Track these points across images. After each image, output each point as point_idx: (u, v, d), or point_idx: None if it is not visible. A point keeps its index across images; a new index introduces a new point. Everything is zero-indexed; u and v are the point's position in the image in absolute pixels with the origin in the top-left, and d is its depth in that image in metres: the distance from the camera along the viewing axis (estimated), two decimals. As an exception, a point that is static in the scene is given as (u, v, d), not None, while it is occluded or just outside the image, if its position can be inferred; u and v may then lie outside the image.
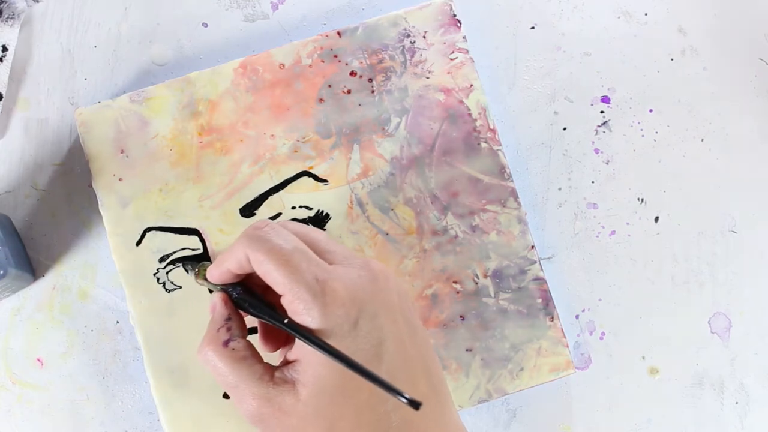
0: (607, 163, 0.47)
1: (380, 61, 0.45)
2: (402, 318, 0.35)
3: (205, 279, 0.38)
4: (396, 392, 0.30)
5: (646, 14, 0.48)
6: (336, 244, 0.36)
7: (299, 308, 0.33)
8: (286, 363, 0.34)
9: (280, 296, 0.34)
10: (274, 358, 0.37)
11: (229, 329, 0.36)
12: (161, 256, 0.44)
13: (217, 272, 0.36)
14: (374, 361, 0.33)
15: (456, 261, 0.44)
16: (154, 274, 0.44)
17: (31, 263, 0.45)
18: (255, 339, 0.38)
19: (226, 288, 0.37)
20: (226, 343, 0.35)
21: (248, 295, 0.36)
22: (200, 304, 0.43)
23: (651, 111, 0.48)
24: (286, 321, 0.34)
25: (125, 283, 0.43)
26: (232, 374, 0.34)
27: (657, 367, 0.46)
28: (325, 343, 0.32)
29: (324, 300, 0.33)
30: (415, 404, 0.30)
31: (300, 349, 0.34)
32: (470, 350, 0.44)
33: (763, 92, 0.48)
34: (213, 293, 0.38)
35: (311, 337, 0.33)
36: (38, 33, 0.47)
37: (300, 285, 0.33)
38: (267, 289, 0.37)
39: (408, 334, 0.35)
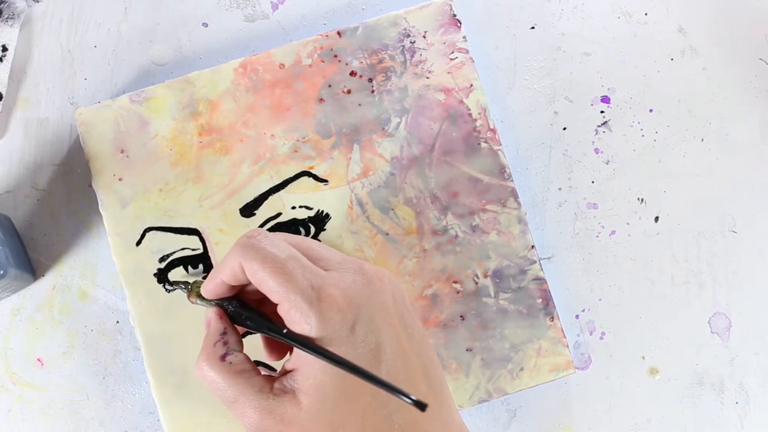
0: (607, 163, 0.47)
1: (380, 61, 0.45)
2: (398, 319, 0.35)
3: (198, 296, 0.38)
4: (402, 394, 0.30)
5: (646, 14, 0.48)
6: (329, 251, 0.36)
7: (296, 317, 0.33)
8: (284, 373, 0.34)
9: (275, 306, 0.34)
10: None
11: (225, 343, 0.35)
12: (161, 256, 0.44)
13: (211, 285, 0.36)
14: (373, 364, 0.33)
15: (456, 261, 0.44)
16: (155, 274, 0.44)
17: (31, 263, 0.45)
18: (251, 347, 0.37)
19: (221, 303, 0.37)
20: (223, 357, 0.35)
21: (244, 309, 0.36)
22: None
23: (651, 111, 0.48)
24: (285, 331, 0.33)
25: (125, 283, 0.43)
26: (230, 388, 0.34)
27: (657, 367, 0.46)
28: (327, 350, 0.32)
29: (320, 307, 0.33)
30: (421, 405, 0.30)
31: (298, 357, 0.33)
32: (470, 350, 0.44)
33: (763, 92, 0.48)
34: (207, 308, 0.37)
35: (312, 345, 0.32)
36: (38, 33, 0.47)
37: (296, 293, 0.33)
38: (262, 301, 0.37)
39: (405, 335, 0.35)
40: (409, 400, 0.30)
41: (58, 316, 0.45)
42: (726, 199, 0.47)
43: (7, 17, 0.46)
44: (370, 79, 0.45)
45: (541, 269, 0.44)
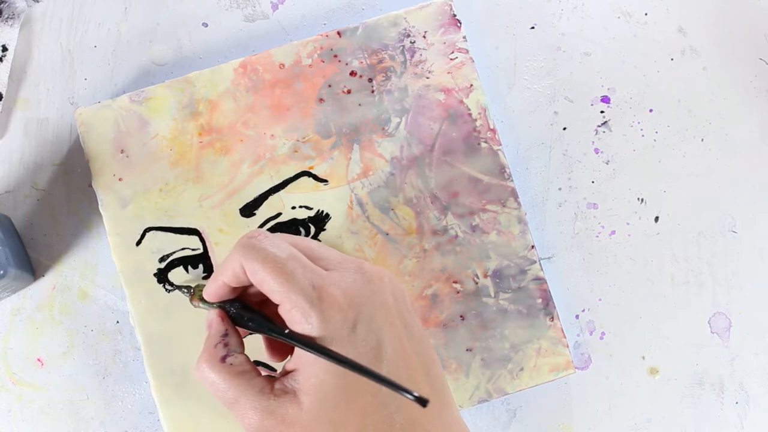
0: (607, 163, 0.47)
1: (380, 61, 0.45)
2: (399, 318, 0.35)
3: (201, 300, 0.38)
4: (404, 390, 0.31)
5: (646, 14, 0.48)
6: (329, 250, 0.36)
7: (297, 317, 0.33)
8: (285, 373, 0.34)
9: (276, 307, 0.34)
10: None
11: (226, 345, 0.35)
12: (161, 256, 0.44)
13: (213, 287, 0.36)
14: (374, 363, 0.33)
15: (456, 261, 0.44)
16: (155, 274, 0.44)
17: (31, 263, 0.45)
18: (252, 348, 0.37)
19: (223, 305, 0.37)
20: (223, 359, 0.35)
21: (246, 311, 0.36)
22: (200, 304, 0.43)
23: (651, 111, 0.48)
24: (286, 332, 0.33)
25: (125, 283, 0.43)
26: (231, 390, 0.34)
27: (657, 367, 0.46)
28: (328, 349, 0.32)
29: (321, 306, 0.33)
30: (422, 401, 0.30)
31: (299, 357, 0.33)
32: (470, 350, 0.44)
33: (763, 92, 0.48)
34: (209, 310, 0.37)
35: (313, 344, 0.32)
36: (38, 33, 0.47)
37: (297, 293, 0.33)
38: (263, 303, 0.37)
39: (406, 335, 0.35)
40: (410, 397, 0.30)
41: (58, 316, 0.45)
42: (726, 199, 0.47)
43: (7, 17, 0.46)
44: (370, 79, 0.45)
45: (541, 269, 0.44)
